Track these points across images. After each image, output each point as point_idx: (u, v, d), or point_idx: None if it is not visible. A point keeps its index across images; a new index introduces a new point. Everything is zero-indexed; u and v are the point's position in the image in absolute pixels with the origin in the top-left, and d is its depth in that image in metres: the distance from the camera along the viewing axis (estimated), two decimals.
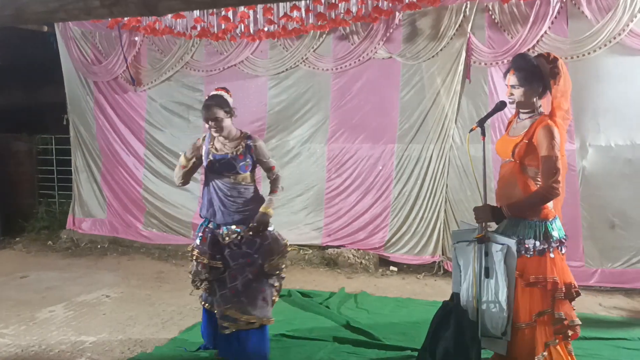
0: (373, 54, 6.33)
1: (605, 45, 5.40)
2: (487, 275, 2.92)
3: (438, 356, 3.10)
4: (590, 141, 5.52)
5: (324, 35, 6.53)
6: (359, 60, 6.40)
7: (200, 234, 3.76)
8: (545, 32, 5.61)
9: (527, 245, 2.90)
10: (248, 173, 3.72)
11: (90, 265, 6.66)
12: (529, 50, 5.54)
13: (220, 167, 3.67)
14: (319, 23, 6.00)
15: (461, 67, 5.95)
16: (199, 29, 6.23)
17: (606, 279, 5.44)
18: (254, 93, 6.95)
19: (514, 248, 2.89)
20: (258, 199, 3.76)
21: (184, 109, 7.31)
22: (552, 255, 2.91)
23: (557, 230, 2.96)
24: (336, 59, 6.51)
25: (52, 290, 5.58)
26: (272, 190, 3.79)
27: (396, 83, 6.30)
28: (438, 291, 5.43)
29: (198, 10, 5.85)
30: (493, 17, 5.84)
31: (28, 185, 8.88)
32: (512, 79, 3.00)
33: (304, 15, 5.92)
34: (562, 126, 2.97)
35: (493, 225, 3.08)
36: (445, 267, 6.02)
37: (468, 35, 5.90)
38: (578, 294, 2.95)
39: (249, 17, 5.91)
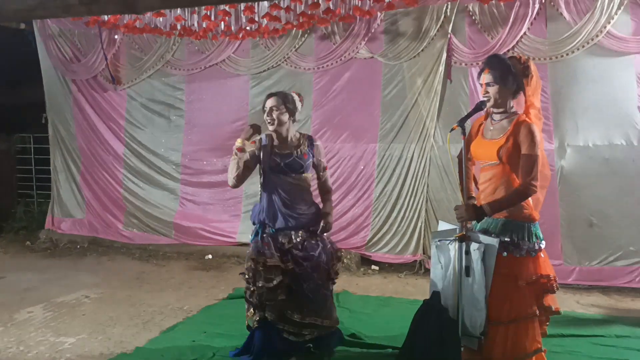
0: (355, 54, 6.35)
1: (584, 46, 5.49)
2: (468, 274, 2.95)
3: (419, 354, 3.13)
4: (568, 141, 5.60)
5: (306, 35, 6.54)
6: (341, 59, 6.41)
7: (258, 242, 3.60)
8: (525, 33, 5.68)
9: (521, 246, 2.95)
10: (310, 174, 3.72)
11: (70, 266, 6.58)
12: (508, 50, 5.61)
13: (286, 167, 3.58)
14: (301, 20, 6.01)
15: (442, 67, 6.00)
16: (179, 27, 6.20)
17: (584, 276, 5.52)
18: (235, 92, 6.94)
19: (494, 247, 2.92)
20: (314, 202, 3.76)
21: (164, 107, 7.26)
22: (542, 255, 3.00)
23: (540, 231, 3.03)
24: (318, 58, 6.52)
25: (30, 291, 5.51)
26: (327, 191, 3.86)
27: (378, 83, 6.33)
28: (419, 290, 5.46)
29: (179, 9, 5.81)
30: (473, 17, 5.90)
31: (6, 185, 8.77)
32: (486, 77, 3.04)
33: (284, 14, 5.91)
34: (538, 124, 3.02)
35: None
36: (427, 266, 6.04)
37: (449, 36, 5.95)
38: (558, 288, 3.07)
39: (230, 15, 5.88)
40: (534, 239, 2.98)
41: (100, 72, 7.40)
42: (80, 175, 7.67)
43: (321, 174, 3.82)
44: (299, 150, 3.65)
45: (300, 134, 3.76)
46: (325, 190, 3.87)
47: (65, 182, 7.78)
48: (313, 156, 3.70)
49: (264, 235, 3.62)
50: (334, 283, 3.81)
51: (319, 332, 3.64)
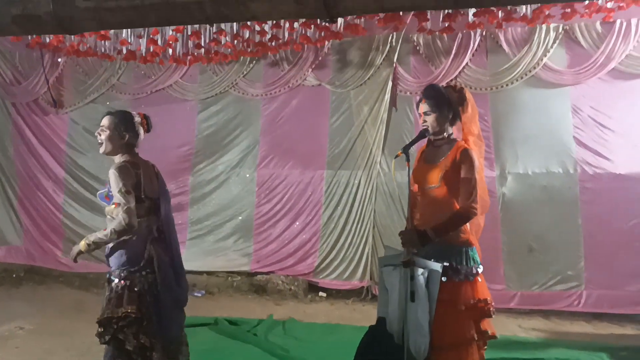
0: (302, 81, 6.42)
1: (522, 77, 5.72)
2: (413, 300, 2.96)
3: None
4: (509, 169, 5.77)
5: (254, 61, 6.57)
6: (289, 86, 6.46)
7: None
8: (467, 64, 5.88)
9: (460, 270, 2.98)
10: (112, 207, 3.15)
11: (3, 296, 6.26)
12: (451, 80, 5.78)
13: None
14: (250, 49, 6.03)
15: (388, 96, 6.11)
16: (125, 51, 6.10)
17: (525, 301, 5.64)
18: (182, 117, 6.86)
19: (438, 273, 2.94)
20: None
21: None
22: (479, 279, 3.03)
23: (477, 255, 3.07)
24: (266, 85, 6.55)
25: None
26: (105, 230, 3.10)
27: (325, 110, 6.39)
28: (366, 316, 5.45)
29: (124, 31, 5.73)
30: (418, 48, 6.06)
31: None
32: (423, 106, 3.12)
33: (231, 40, 5.89)
34: (476, 150, 3.10)
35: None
36: (374, 292, 6.07)
37: (394, 65, 6.09)
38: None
39: (177, 40, 5.84)
40: (472, 263, 3.02)
41: (42, 95, 7.20)
42: (17, 201, 7.36)
43: None
44: None
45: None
46: None
47: (1, 208, 7.45)
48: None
49: None
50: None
51: None
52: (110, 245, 3.16)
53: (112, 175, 3.09)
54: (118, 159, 3.25)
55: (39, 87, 7.16)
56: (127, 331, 3.10)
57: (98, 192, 3.35)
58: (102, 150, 3.24)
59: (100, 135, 3.22)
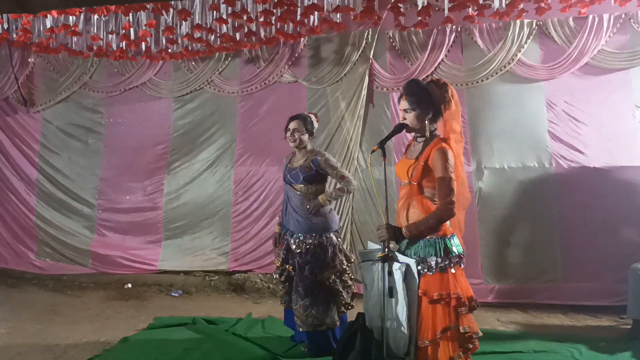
0: (279, 78, 6.39)
1: (497, 73, 5.76)
2: (391, 295, 2.93)
3: None
4: (485, 163, 5.81)
5: (230, 58, 6.51)
6: (265, 83, 6.43)
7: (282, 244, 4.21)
8: (442, 60, 5.90)
9: (429, 263, 2.94)
10: (310, 185, 4.09)
11: None
12: (427, 76, 5.79)
13: (289, 179, 4.14)
14: (225, 44, 5.95)
15: (364, 92, 6.10)
16: (95, 48, 5.97)
17: (503, 295, 5.68)
18: (157, 115, 6.78)
19: (414, 267, 2.91)
20: (324, 213, 4.09)
21: (82, 131, 6.99)
22: (453, 270, 2.97)
23: (455, 246, 3.02)
24: (242, 82, 6.50)
25: None
26: (338, 188, 4.14)
27: (302, 107, 6.35)
28: (347, 312, 5.42)
29: (95, 28, 5.61)
30: (394, 44, 6.07)
31: None
32: (404, 103, 3.07)
33: (207, 35, 5.80)
34: (456, 149, 3.06)
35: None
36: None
37: (370, 61, 6.08)
38: (477, 306, 3.04)
39: (150, 35, 5.73)
40: (443, 255, 2.96)
41: (12, 94, 7.05)
42: None
43: (340, 182, 4.16)
44: (304, 164, 4.10)
45: (314, 150, 4.19)
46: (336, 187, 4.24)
47: None
48: (317, 170, 4.08)
49: (284, 237, 4.18)
50: (347, 287, 4.22)
51: (306, 328, 4.05)
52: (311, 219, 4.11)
53: (330, 158, 4.14)
54: (310, 148, 4.24)
55: (9, 85, 7.02)
56: None
57: (302, 176, 4.11)
58: (294, 145, 4.17)
59: (295, 135, 4.14)
